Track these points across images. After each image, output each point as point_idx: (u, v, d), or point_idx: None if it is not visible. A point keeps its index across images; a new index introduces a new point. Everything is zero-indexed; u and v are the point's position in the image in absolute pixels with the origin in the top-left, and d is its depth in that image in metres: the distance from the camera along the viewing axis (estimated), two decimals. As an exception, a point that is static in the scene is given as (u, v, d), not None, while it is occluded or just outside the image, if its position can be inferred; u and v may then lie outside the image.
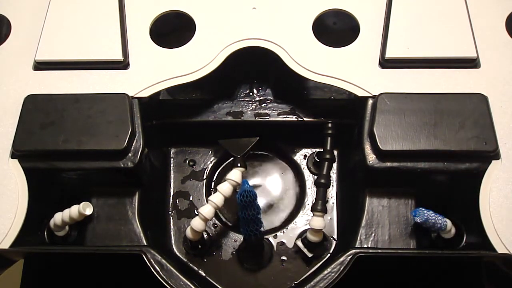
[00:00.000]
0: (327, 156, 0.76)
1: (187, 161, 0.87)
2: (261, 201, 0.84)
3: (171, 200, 0.84)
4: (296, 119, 0.83)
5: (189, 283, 0.65)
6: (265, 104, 0.85)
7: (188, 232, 0.74)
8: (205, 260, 0.79)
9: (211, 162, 0.87)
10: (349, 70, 0.75)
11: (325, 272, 0.65)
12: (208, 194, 0.85)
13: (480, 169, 0.68)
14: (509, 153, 0.68)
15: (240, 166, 0.75)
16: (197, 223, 0.72)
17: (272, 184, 0.87)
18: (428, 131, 0.69)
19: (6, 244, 0.65)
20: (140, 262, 0.66)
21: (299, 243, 0.77)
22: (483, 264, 0.76)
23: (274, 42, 0.77)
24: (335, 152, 0.83)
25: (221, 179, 0.85)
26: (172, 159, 0.87)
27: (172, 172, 0.86)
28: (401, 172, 0.70)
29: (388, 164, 0.69)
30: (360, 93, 0.73)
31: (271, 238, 0.80)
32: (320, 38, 0.78)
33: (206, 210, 0.72)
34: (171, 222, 0.83)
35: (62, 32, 0.78)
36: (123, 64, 0.76)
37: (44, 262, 0.79)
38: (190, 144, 0.88)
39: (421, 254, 0.70)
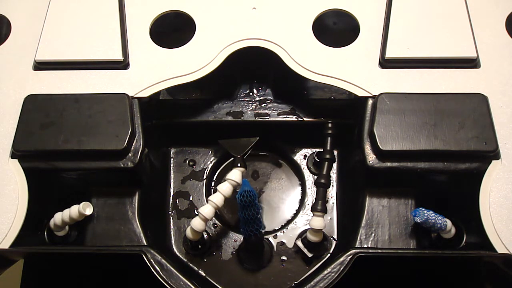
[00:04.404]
0: (327, 156, 0.76)
1: (187, 161, 0.87)
2: (261, 201, 0.84)
3: (171, 200, 0.84)
4: (296, 119, 0.83)
5: (189, 283, 0.65)
6: (265, 104, 0.85)
7: (188, 232, 0.74)
8: (205, 260, 0.79)
9: (211, 162, 0.87)
10: (349, 70, 0.75)
11: (325, 272, 0.65)
12: (208, 194, 0.85)
13: (480, 169, 0.68)
14: (509, 153, 0.68)
15: (240, 166, 0.75)
16: (197, 223, 0.72)
17: (272, 184, 0.87)
18: (428, 131, 0.69)
19: (6, 244, 0.66)
20: (140, 262, 0.66)
21: (299, 243, 0.77)
22: (483, 264, 0.76)
23: (274, 42, 0.77)
24: (335, 152, 0.83)
25: (221, 179, 0.85)
26: (172, 159, 0.87)
27: (172, 172, 0.86)
28: (401, 172, 0.70)
29: (388, 164, 0.69)
30: (360, 93, 0.73)
31: (271, 238, 0.80)
32: (320, 38, 0.78)
33: (206, 210, 0.72)
34: (171, 222, 0.83)
35: (62, 32, 0.78)
36: (123, 64, 0.76)
37: (44, 262, 0.79)
38: (190, 144, 0.88)
39: (421, 254, 0.70)
